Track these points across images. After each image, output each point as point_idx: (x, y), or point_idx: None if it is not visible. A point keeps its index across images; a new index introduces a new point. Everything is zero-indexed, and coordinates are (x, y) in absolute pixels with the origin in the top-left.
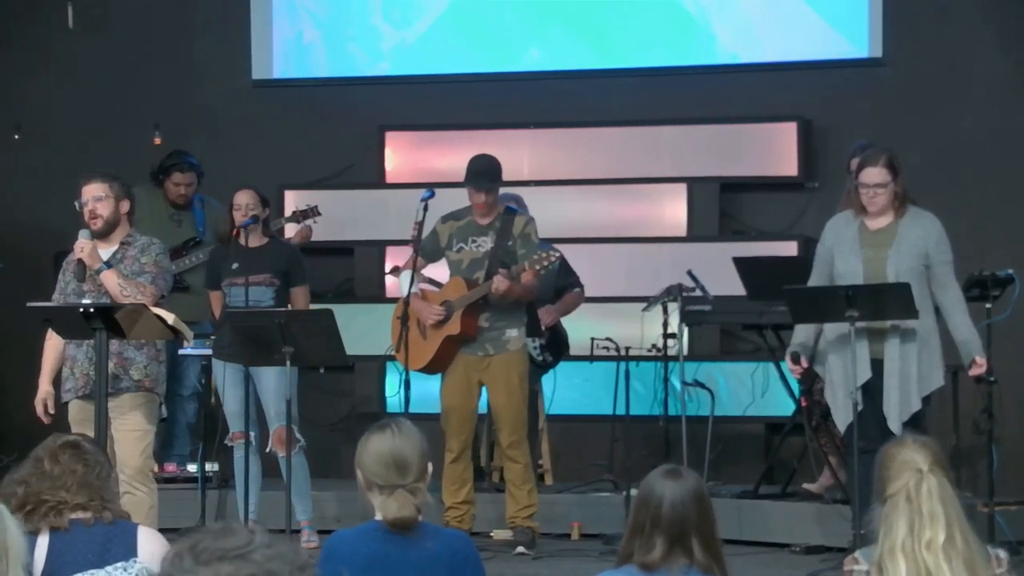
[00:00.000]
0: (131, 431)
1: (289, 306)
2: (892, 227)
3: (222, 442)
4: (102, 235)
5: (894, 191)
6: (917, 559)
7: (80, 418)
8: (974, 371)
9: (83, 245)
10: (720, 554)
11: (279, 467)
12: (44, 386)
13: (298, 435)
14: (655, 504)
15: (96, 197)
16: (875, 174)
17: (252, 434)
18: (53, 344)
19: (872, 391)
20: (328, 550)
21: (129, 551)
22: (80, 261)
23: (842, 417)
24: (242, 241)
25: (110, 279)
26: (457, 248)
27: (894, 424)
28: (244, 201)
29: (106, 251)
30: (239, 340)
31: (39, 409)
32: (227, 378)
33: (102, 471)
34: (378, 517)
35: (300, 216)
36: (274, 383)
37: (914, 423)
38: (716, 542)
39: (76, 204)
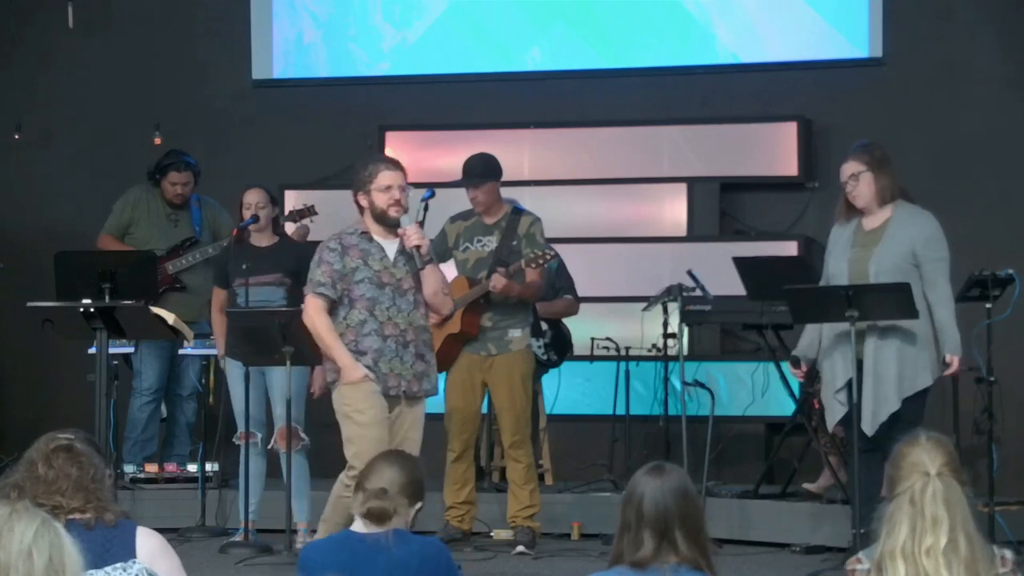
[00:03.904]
0: (419, 441)
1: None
2: (883, 226)
3: (222, 442)
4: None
5: (874, 179)
6: (917, 563)
7: (381, 418)
8: (947, 371)
9: (421, 232)
10: (706, 548)
11: (281, 467)
12: (357, 363)
13: (303, 435)
14: (637, 501)
15: (400, 186)
16: (847, 168)
17: (259, 435)
18: (330, 322)
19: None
20: (302, 561)
21: (128, 552)
22: (415, 249)
23: (829, 416)
24: (252, 241)
25: (437, 273)
26: (463, 248)
27: (866, 425)
28: (253, 200)
29: (393, 244)
30: (239, 340)
31: (362, 379)
32: (240, 377)
33: (97, 473)
34: (355, 526)
35: (297, 215)
36: (278, 383)
37: (906, 423)
38: (702, 536)
39: (369, 188)
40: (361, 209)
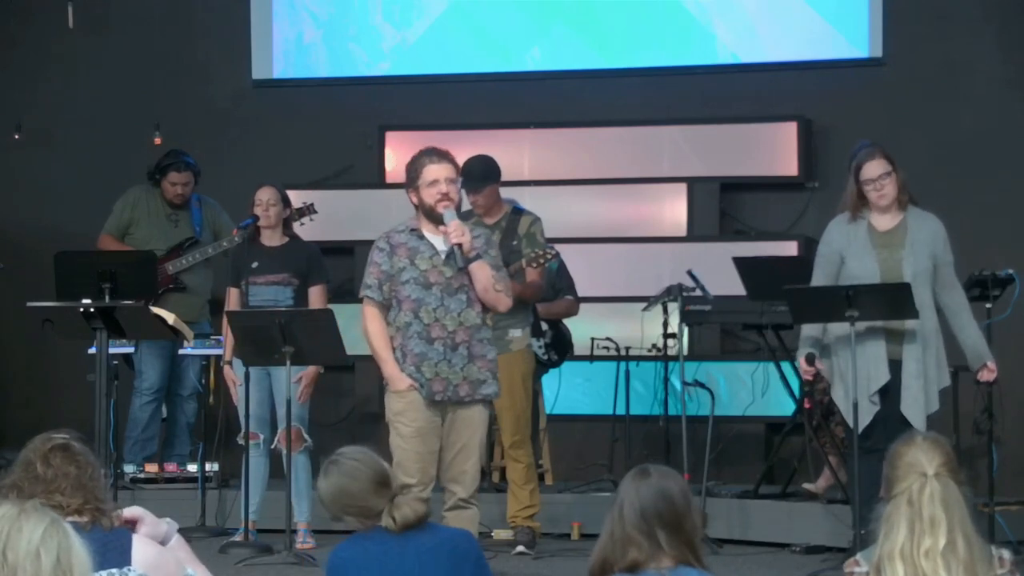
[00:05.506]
0: (482, 442)
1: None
2: (901, 227)
3: (222, 442)
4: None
5: (897, 178)
6: (915, 565)
7: (425, 431)
8: (985, 376)
9: (464, 228)
10: (692, 543)
11: (282, 468)
12: (402, 375)
13: (306, 436)
14: (619, 506)
15: (449, 179)
16: (877, 166)
17: (261, 437)
18: (383, 328)
19: (887, 392)
20: (332, 560)
21: (124, 558)
22: (457, 247)
23: (856, 418)
24: (263, 240)
25: (485, 269)
26: None
27: (920, 423)
28: (264, 197)
29: (439, 238)
30: (240, 340)
31: (406, 390)
32: (250, 378)
33: (94, 472)
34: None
35: (296, 215)
36: (281, 384)
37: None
38: (684, 535)
39: (417, 184)
40: (415, 207)
